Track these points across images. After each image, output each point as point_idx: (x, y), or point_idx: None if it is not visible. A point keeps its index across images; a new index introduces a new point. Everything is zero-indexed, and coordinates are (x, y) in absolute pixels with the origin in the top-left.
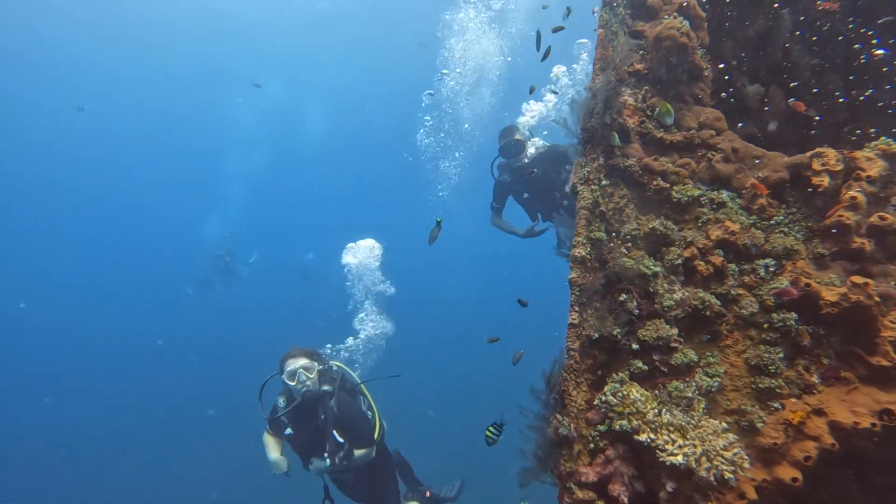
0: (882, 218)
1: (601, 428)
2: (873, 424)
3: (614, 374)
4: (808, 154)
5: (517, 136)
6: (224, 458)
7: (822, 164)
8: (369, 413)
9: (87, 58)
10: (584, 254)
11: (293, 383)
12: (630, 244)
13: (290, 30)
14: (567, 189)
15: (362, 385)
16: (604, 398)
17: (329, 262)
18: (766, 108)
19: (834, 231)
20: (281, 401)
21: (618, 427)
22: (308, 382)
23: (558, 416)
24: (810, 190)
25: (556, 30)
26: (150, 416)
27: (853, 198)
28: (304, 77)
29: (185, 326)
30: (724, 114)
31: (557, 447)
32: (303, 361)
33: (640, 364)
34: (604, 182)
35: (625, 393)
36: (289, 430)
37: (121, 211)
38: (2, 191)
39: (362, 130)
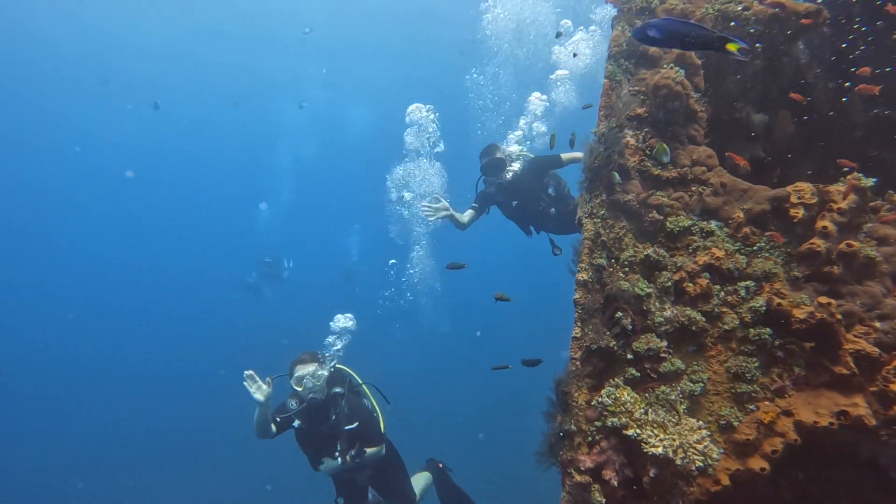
0: (849, 245)
1: (597, 424)
2: (831, 423)
3: (610, 380)
4: (788, 188)
5: (498, 155)
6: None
7: (799, 198)
8: (374, 413)
9: (155, 63)
10: (586, 278)
11: (300, 389)
12: (627, 269)
13: (335, 30)
14: (552, 193)
15: (363, 386)
16: (600, 399)
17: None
18: (773, 132)
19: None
20: (293, 403)
21: (610, 423)
22: (314, 389)
23: (562, 414)
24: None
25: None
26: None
27: (825, 227)
28: (347, 76)
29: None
30: (730, 138)
31: (561, 439)
32: (311, 368)
33: (634, 371)
34: (605, 215)
35: (617, 395)
36: (297, 423)
37: (180, 199)
38: (63, 179)
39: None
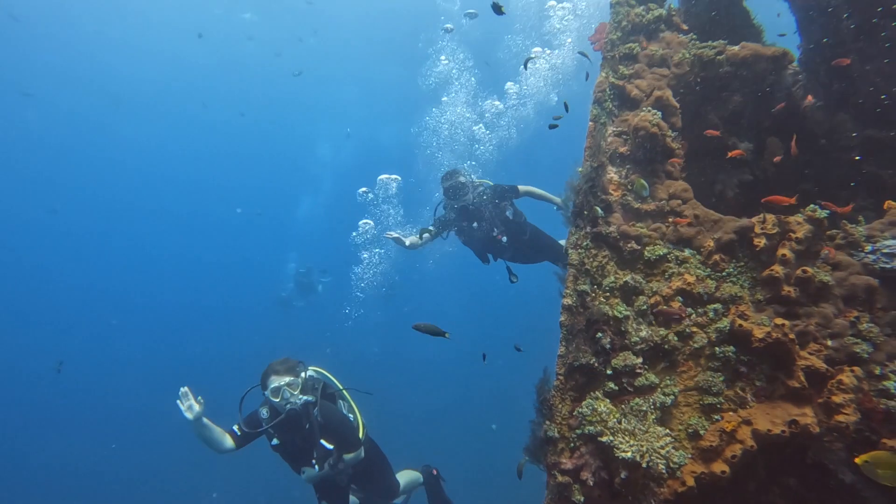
0: (804, 271)
1: (577, 431)
2: (783, 431)
3: (591, 393)
4: (753, 219)
5: (461, 179)
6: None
7: (762, 228)
8: (350, 416)
9: (204, 74)
10: (571, 302)
11: (278, 400)
12: (608, 294)
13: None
14: (509, 216)
15: (344, 390)
16: (580, 410)
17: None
18: (763, 157)
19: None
20: (264, 411)
21: (587, 431)
22: (292, 399)
23: (547, 422)
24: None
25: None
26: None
27: (784, 255)
28: (378, 86)
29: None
30: (720, 166)
31: (546, 444)
32: (287, 379)
33: (612, 385)
34: (589, 245)
35: (595, 406)
36: (275, 441)
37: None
38: (117, 175)
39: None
